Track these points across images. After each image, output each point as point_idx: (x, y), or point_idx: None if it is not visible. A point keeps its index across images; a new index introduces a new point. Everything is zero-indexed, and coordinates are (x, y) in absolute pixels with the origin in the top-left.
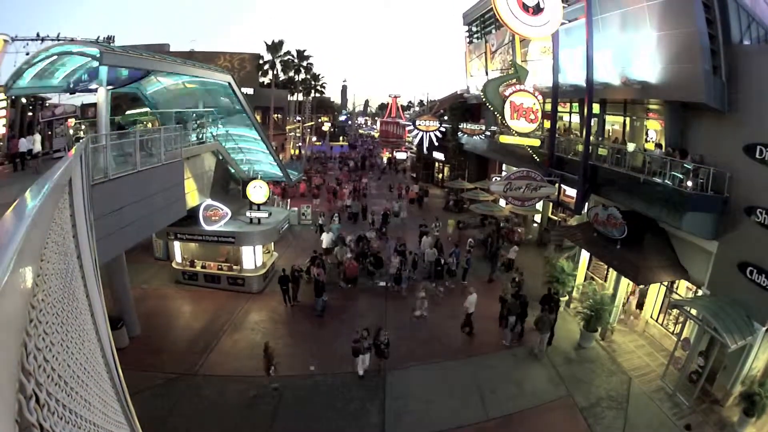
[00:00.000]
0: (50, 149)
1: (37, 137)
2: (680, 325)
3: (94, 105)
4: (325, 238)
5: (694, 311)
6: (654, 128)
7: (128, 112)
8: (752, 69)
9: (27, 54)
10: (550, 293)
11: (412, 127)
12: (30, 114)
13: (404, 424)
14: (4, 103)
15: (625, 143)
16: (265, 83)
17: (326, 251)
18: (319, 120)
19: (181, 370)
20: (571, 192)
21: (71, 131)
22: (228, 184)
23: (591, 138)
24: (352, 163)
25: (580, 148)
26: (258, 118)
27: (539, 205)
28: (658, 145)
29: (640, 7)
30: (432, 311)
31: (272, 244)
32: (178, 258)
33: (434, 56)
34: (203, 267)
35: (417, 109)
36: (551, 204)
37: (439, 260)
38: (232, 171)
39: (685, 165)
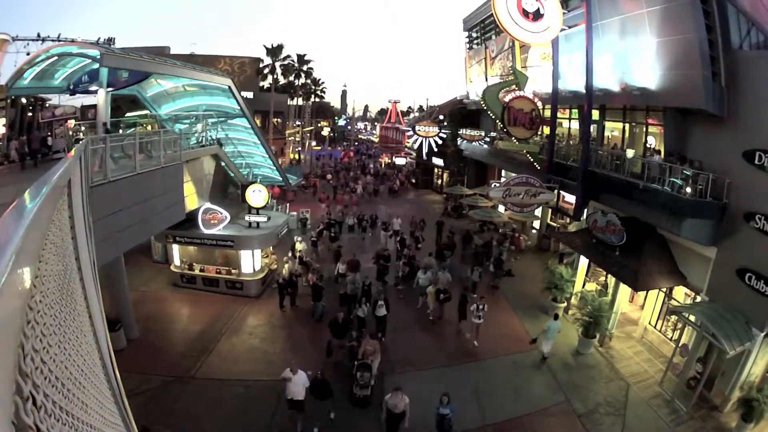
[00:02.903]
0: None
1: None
2: (678, 331)
3: (94, 106)
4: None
5: (692, 317)
6: (653, 134)
7: (128, 114)
8: (752, 75)
9: (28, 54)
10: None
11: (411, 133)
12: (30, 114)
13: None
14: (3, 103)
15: (624, 149)
16: (265, 87)
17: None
18: (319, 125)
19: (179, 372)
20: (570, 198)
21: (71, 132)
22: (227, 187)
23: (590, 144)
24: (360, 188)
25: (580, 154)
26: (258, 122)
27: (538, 212)
28: (657, 152)
29: (639, 13)
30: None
31: (271, 248)
32: (177, 261)
33: (434, 62)
34: (201, 270)
35: (417, 114)
36: (550, 210)
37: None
38: (232, 175)
39: (684, 171)
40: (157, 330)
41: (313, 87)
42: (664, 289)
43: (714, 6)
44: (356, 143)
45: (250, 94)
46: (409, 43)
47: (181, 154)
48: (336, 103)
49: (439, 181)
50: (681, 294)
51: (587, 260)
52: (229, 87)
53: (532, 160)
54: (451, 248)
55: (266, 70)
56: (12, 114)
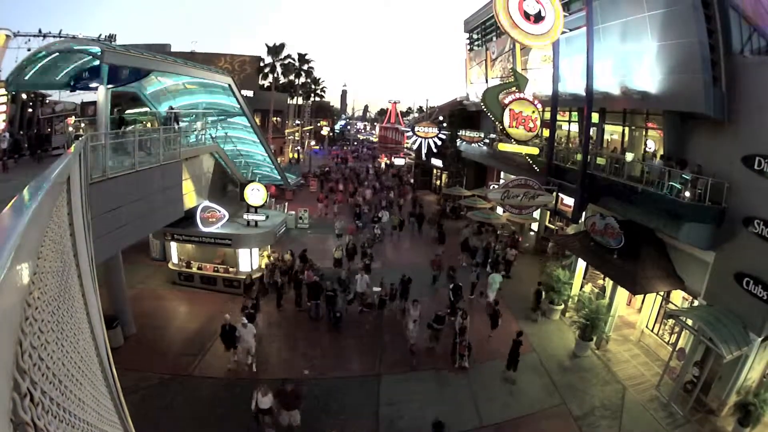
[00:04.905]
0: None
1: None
2: (676, 335)
3: (94, 103)
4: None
5: (690, 321)
6: (653, 138)
7: (128, 111)
8: (752, 80)
9: (29, 50)
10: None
11: (411, 134)
12: (30, 110)
13: (398, 429)
14: (4, 99)
15: (623, 153)
16: (265, 86)
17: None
18: (318, 124)
19: (176, 370)
20: (569, 201)
21: (71, 129)
22: (226, 186)
23: (590, 147)
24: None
25: (579, 157)
26: (257, 121)
27: (536, 214)
28: (661, 156)
29: (641, 17)
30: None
31: (269, 247)
32: (175, 259)
33: (434, 63)
34: (199, 268)
35: (416, 115)
36: (549, 213)
37: None
38: (231, 173)
39: (683, 175)
40: (154, 327)
41: (313, 86)
42: (662, 293)
43: (715, 10)
44: (355, 143)
45: (250, 93)
46: (410, 43)
47: (180, 152)
48: (336, 103)
49: (438, 182)
50: (679, 298)
51: (585, 263)
52: (229, 85)
53: (531, 162)
54: (421, 219)
55: (267, 69)
56: (13, 110)
